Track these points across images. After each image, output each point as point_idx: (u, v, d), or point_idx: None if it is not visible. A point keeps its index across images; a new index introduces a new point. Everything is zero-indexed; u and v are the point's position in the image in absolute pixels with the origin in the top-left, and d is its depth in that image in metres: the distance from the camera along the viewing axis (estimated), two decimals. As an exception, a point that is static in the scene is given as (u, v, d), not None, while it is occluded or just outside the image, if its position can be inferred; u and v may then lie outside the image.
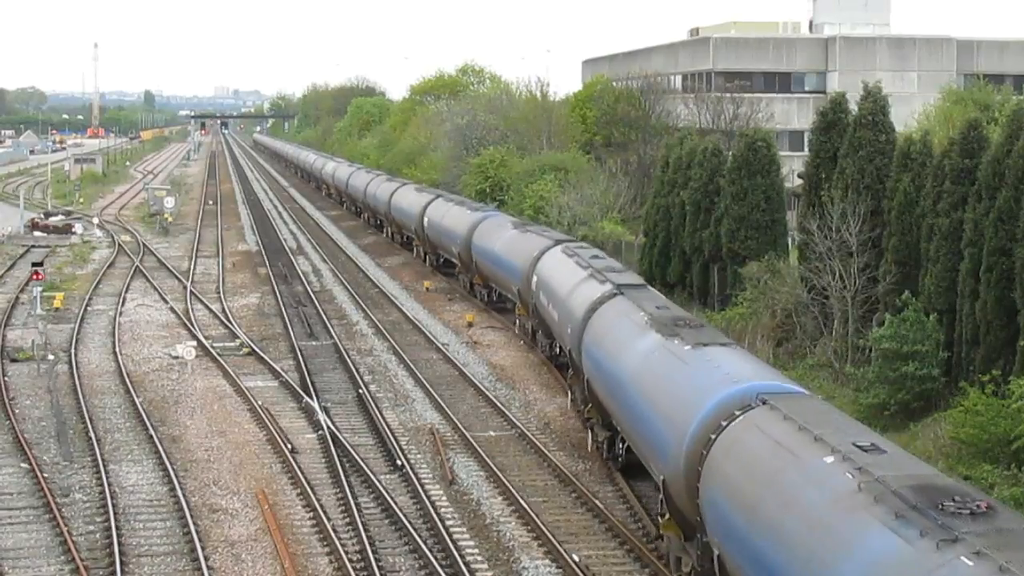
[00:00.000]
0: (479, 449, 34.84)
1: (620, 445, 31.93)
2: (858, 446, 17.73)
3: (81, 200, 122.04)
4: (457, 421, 37.89)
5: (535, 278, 45.45)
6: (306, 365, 45.24)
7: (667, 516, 25.17)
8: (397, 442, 35.52)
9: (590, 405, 34.33)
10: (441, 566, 26.33)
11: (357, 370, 44.88)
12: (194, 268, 73.02)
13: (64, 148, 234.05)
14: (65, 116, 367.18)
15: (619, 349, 30.27)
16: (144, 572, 26.57)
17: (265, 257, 78.16)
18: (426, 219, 70.28)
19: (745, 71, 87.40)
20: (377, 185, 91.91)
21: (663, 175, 58.53)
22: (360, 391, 41.52)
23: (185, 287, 64.36)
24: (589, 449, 34.70)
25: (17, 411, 38.96)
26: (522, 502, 30.20)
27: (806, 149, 58.08)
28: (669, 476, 24.34)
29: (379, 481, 31.77)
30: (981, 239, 35.26)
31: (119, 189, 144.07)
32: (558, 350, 43.37)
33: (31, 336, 48.81)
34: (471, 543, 28.09)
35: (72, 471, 33.24)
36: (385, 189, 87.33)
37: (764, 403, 21.79)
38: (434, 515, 29.31)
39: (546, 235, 49.97)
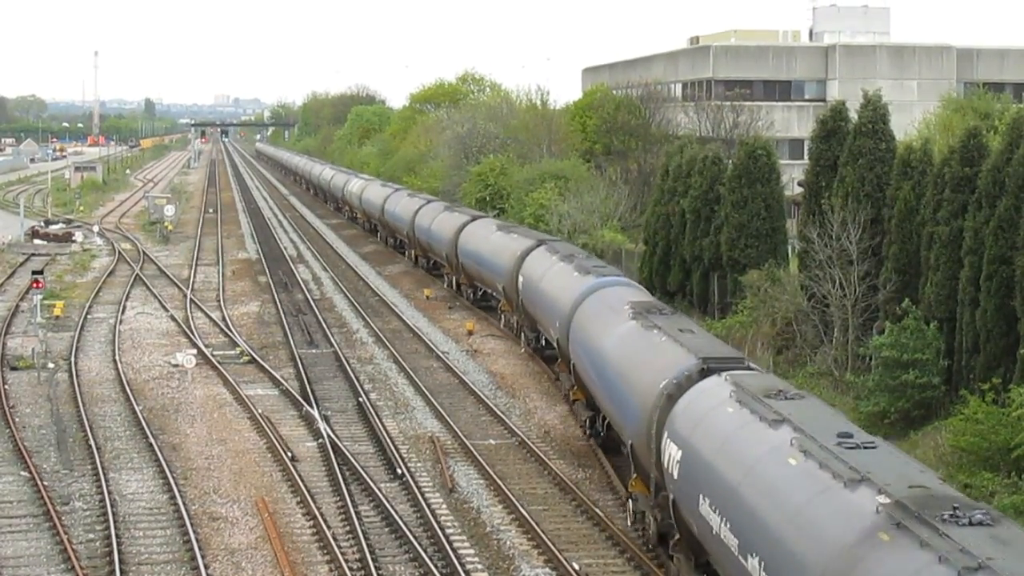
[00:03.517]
0: (479, 457, 34.82)
1: None
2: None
3: (81, 208, 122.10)
4: (457, 429, 37.87)
5: (670, 446, 24.31)
6: (306, 373, 45.23)
7: None
8: (397, 450, 35.51)
9: None
10: (441, 574, 26.33)
11: (357, 378, 44.86)
12: (194, 276, 73.00)
13: (64, 156, 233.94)
14: (65, 124, 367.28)
15: None
16: (144, 580, 26.58)
17: (265, 265, 78.13)
18: (521, 277, 48.21)
19: (745, 79, 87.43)
20: (432, 217, 68.75)
21: (663, 183, 58.55)
22: (360, 399, 41.50)
23: (185, 295, 64.35)
24: None
25: (17, 419, 38.93)
26: (522, 510, 30.17)
27: (806, 157, 58.06)
28: None
29: (379, 489, 31.75)
30: (981, 247, 35.27)
31: (119, 197, 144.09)
32: None
33: (31, 344, 48.77)
34: (471, 551, 28.06)
35: (72, 479, 33.22)
36: (447, 224, 64.58)
37: None
38: (434, 523, 29.28)
39: (683, 341, 27.81)
